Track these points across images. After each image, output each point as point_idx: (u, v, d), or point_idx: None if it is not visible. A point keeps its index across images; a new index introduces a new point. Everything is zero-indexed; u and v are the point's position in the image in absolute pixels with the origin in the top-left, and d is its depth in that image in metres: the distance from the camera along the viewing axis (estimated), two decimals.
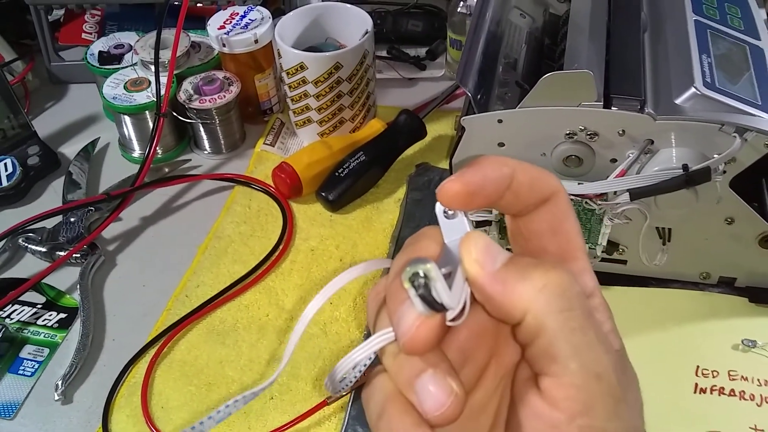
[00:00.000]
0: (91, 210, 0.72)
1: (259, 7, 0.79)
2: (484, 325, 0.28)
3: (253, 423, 0.55)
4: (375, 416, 0.27)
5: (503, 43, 0.63)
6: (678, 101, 0.51)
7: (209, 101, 0.75)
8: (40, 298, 0.66)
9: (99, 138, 0.82)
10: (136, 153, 0.80)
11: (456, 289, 0.26)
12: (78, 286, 0.66)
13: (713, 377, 0.56)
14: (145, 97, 0.75)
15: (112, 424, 0.56)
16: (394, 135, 0.75)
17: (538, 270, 0.25)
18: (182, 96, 0.75)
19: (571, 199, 0.52)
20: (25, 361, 0.61)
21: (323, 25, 0.78)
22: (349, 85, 0.74)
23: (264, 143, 0.79)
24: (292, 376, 0.58)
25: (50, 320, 0.64)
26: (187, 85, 0.76)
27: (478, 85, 0.56)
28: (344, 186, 0.72)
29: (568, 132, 0.53)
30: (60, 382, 0.58)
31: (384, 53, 0.89)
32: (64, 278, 0.67)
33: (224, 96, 0.76)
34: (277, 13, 0.81)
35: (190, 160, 0.80)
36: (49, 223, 0.71)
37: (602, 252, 0.58)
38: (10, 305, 0.65)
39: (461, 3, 0.80)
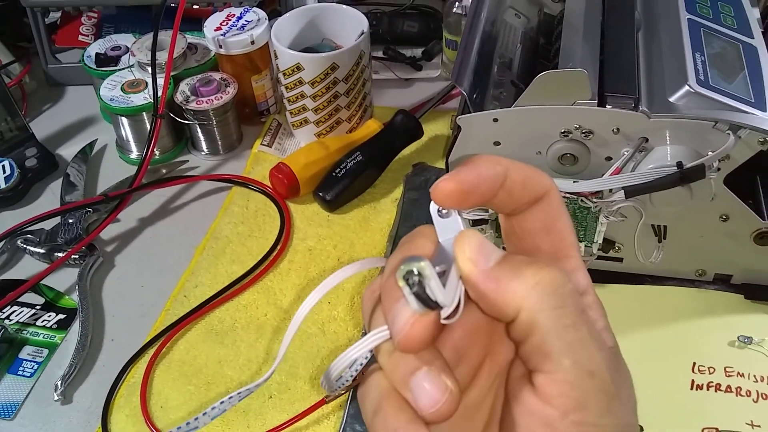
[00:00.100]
0: (89, 211, 0.72)
1: (255, 9, 0.79)
2: (478, 324, 0.28)
3: (251, 422, 0.56)
4: (371, 413, 0.27)
5: (498, 43, 0.63)
6: (672, 99, 0.51)
7: (206, 102, 0.75)
8: (39, 299, 0.66)
9: (96, 140, 0.83)
10: (134, 154, 0.80)
11: (450, 287, 0.26)
12: (77, 287, 0.66)
13: (710, 374, 0.57)
14: (142, 98, 0.75)
15: (112, 423, 0.56)
16: (391, 135, 0.76)
17: (531, 268, 0.26)
18: (179, 97, 0.76)
19: (567, 197, 0.53)
20: (24, 361, 0.61)
21: (319, 26, 0.79)
22: (346, 86, 0.74)
23: (261, 144, 0.80)
24: (290, 375, 0.59)
25: (49, 321, 0.64)
26: (184, 87, 0.77)
27: (473, 84, 0.56)
28: (341, 186, 0.72)
29: (563, 130, 0.53)
30: (59, 383, 0.58)
31: (380, 54, 0.89)
32: (63, 279, 0.68)
33: (221, 97, 0.76)
34: (273, 15, 0.81)
35: (188, 161, 0.80)
36: (48, 225, 0.71)
37: (598, 250, 0.58)
38: (9, 306, 0.65)
39: (456, 3, 0.81)
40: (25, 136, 0.80)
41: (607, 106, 0.51)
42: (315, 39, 0.79)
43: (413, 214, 0.70)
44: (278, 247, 0.69)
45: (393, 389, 0.27)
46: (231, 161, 0.80)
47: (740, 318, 0.60)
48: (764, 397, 0.55)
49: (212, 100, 0.76)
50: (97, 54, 0.82)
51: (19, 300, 0.66)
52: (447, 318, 0.26)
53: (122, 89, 0.76)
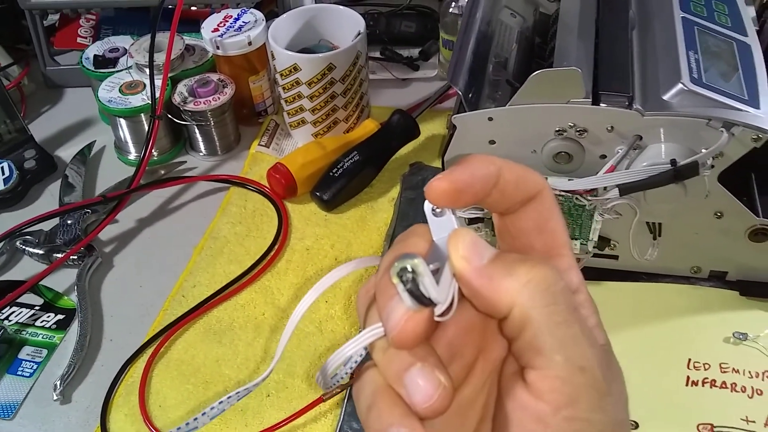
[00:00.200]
0: (88, 212, 0.72)
1: (252, 10, 0.80)
2: (471, 322, 0.29)
3: (249, 420, 0.56)
4: (365, 409, 0.27)
5: (494, 43, 0.63)
6: (666, 97, 0.51)
7: (204, 103, 0.76)
8: (38, 300, 0.67)
9: (95, 141, 0.83)
10: (132, 155, 0.80)
11: (444, 285, 0.26)
12: (75, 288, 0.66)
13: (705, 370, 0.57)
14: (140, 99, 0.75)
15: (111, 423, 0.57)
16: (388, 135, 0.76)
17: (523, 265, 0.26)
18: (177, 98, 0.76)
19: (562, 195, 0.53)
20: (23, 362, 0.61)
21: (316, 27, 0.79)
22: (343, 86, 0.74)
23: (259, 144, 0.80)
24: (288, 373, 0.59)
25: (48, 321, 0.65)
26: (182, 88, 0.77)
27: (468, 83, 0.56)
28: (339, 186, 0.72)
29: (557, 129, 0.54)
30: (58, 383, 0.59)
31: (377, 54, 0.89)
32: (62, 280, 0.68)
33: (219, 98, 0.76)
34: (270, 16, 0.82)
35: (186, 162, 0.80)
36: (47, 226, 0.71)
37: (594, 247, 0.58)
38: (9, 307, 0.65)
39: (453, 4, 0.81)
40: (23, 137, 0.80)
41: (601, 105, 0.52)
42: (312, 40, 0.80)
43: (410, 214, 0.71)
44: (276, 247, 0.70)
45: (387, 385, 0.27)
46: (229, 162, 0.80)
47: (735, 314, 0.60)
48: (759, 393, 0.55)
49: (210, 101, 0.76)
50: (95, 56, 0.82)
51: (19, 301, 0.66)
52: (441, 315, 0.26)
53: (120, 91, 0.76)
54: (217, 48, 0.77)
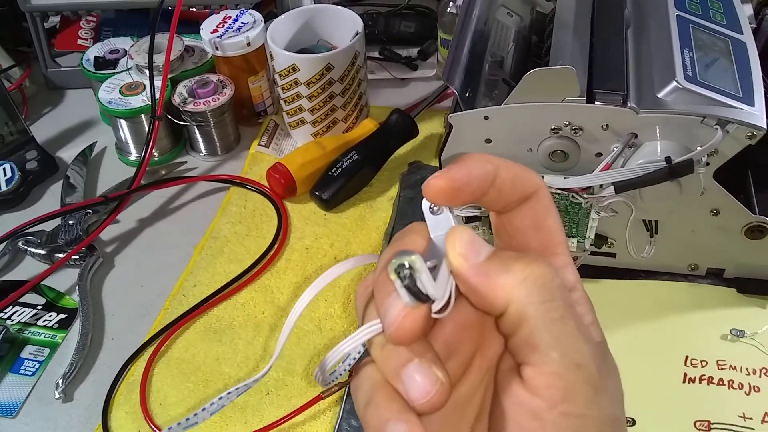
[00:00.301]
0: (89, 212, 0.73)
1: (251, 11, 0.80)
2: (468, 320, 0.29)
3: (249, 418, 0.56)
4: (363, 405, 0.28)
5: (490, 42, 0.64)
6: (660, 95, 0.52)
7: (203, 104, 0.76)
8: (40, 300, 0.67)
9: (96, 142, 0.83)
10: (133, 156, 0.81)
11: (441, 281, 0.26)
12: (77, 287, 0.67)
13: (702, 367, 0.57)
14: (141, 100, 0.76)
15: (112, 421, 0.57)
16: (387, 134, 0.76)
17: (519, 263, 0.26)
18: (177, 99, 0.77)
19: (558, 193, 0.54)
20: (26, 361, 0.62)
21: (315, 28, 0.80)
22: (341, 86, 0.75)
23: (258, 145, 0.80)
24: (287, 372, 0.59)
25: (50, 321, 0.65)
26: (182, 89, 0.77)
27: (464, 83, 0.57)
28: (338, 185, 0.73)
29: (553, 127, 0.54)
30: (60, 381, 0.59)
31: (376, 54, 0.90)
32: (64, 280, 0.68)
33: (218, 98, 0.77)
34: (269, 17, 0.82)
35: (186, 162, 0.81)
36: (48, 226, 0.72)
37: (591, 245, 0.58)
38: (11, 307, 0.66)
39: (451, 3, 0.82)
40: (25, 139, 0.81)
41: (596, 103, 0.52)
42: (311, 40, 0.80)
43: (409, 213, 0.71)
44: (275, 246, 0.70)
45: (385, 381, 0.27)
46: (229, 162, 0.81)
47: (733, 311, 0.61)
48: (756, 389, 0.55)
49: (209, 102, 0.76)
50: (95, 57, 0.83)
51: (21, 300, 0.66)
52: (438, 312, 0.26)
53: (120, 92, 0.77)
54: (216, 49, 0.77)
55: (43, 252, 0.70)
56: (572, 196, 0.54)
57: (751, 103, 0.51)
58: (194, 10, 0.85)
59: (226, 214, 0.74)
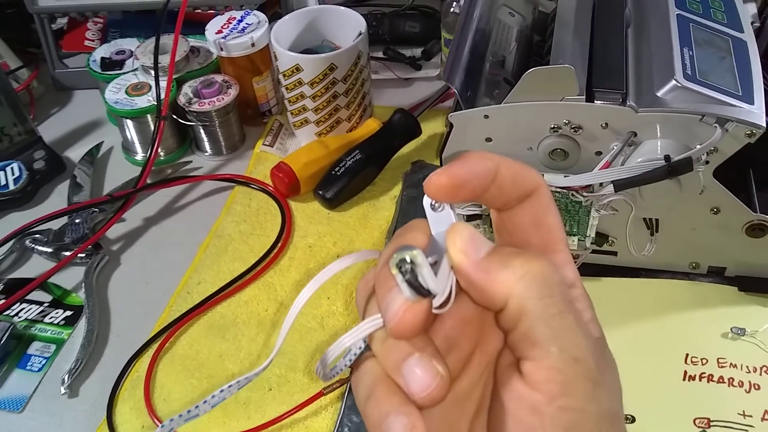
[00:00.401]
0: (96, 211, 0.74)
1: (255, 12, 0.81)
2: (468, 315, 0.29)
3: (252, 413, 0.57)
4: (364, 398, 0.28)
5: (491, 41, 0.64)
6: (659, 93, 0.52)
7: (208, 104, 0.77)
8: (46, 297, 0.68)
9: (103, 142, 0.84)
10: (139, 156, 0.81)
11: (442, 277, 0.27)
12: (83, 285, 0.68)
13: (702, 365, 0.57)
14: (146, 101, 0.77)
15: (117, 416, 0.58)
16: (390, 134, 0.77)
17: (519, 259, 0.26)
18: (182, 99, 0.77)
19: (558, 192, 0.54)
20: (32, 357, 0.63)
21: (319, 28, 0.80)
22: (345, 86, 0.75)
23: (263, 144, 0.81)
24: (289, 368, 0.60)
25: (56, 318, 0.66)
26: (187, 89, 0.78)
27: (465, 82, 0.57)
28: (341, 184, 0.73)
29: (552, 126, 0.54)
30: (66, 377, 0.60)
31: (380, 54, 0.90)
32: (70, 277, 0.69)
33: (223, 99, 0.77)
34: (275, 18, 0.83)
35: (191, 161, 0.82)
36: (55, 225, 0.73)
37: (591, 243, 0.59)
38: (18, 304, 0.67)
39: (454, 3, 0.82)
40: (33, 139, 0.82)
41: (595, 102, 0.52)
42: (315, 41, 0.81)
43: (411, 212, 0.71)
44: (279, 245, 0.71)
45: (385, 375, 0.27)
46: (234, 161, 0.81)
47: (734, 310, 0.61)
48: (756, 387, 0.56)
49: (214, 102, 0.77)
50: (102, 58, 0.84)
51: (28, 297, 0.67)
52: (439, 307, 0.27)
53: (126, 92, 0.78)
54: (221, 49, 0.78)
55: (49, 250, 0.71)
56: (572, 195, 0.55)
57: (751, 102, 0.52)
58: (199, 11, 0.86)
59: (231, 213, 0.75)
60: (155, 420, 0.57)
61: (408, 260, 0.25)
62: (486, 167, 0.28)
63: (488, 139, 0.57)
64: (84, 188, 0.78)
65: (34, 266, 0.71)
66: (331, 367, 0.31)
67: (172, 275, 0.69)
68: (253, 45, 0.78)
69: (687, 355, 0.58)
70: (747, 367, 0.57)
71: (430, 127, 0.80)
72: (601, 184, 0.54)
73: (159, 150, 0.77)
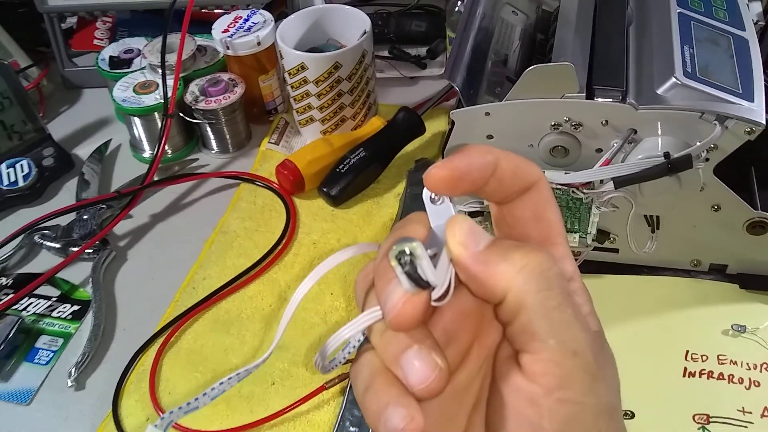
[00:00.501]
0: (103, 208, 0.75)
1: (261, 11, 0.82)
2: (467, 308, 0.29)
3: (255, 407, 0.58)
4: (362, 390, 0.28)
5: (494, 40, 0.64)
6: (659, 91, 0.52)
7: (215, 102, 0.78)
8: (54, 292, 0.69)
9: (111, 140, 0.85)
10: (147, 153, 0.82)
11: (441, 269, 0.27)
12: (90, 280, 0.69)
13: (703, 361, 0.58)
14: (153, 99, 0.78)
15: (122, 408, 0.59)
16: (394, 132, 0.77)
17: (519, 251, 0.27)
18: (189, 97, 0.78)
19: (559, 189, 0.54)
20: (40, 350, 0.64)
21: (324, 27, 0.81)
22: (349, 84, 0.76)
23: (269, 142, 0.82)
24: (292, 363, 0.61)
25: (64, 312, 0.67)
26: (194, 87, 0.79)
27: (466, 80, 0.58)
28: (345, 181, 0.74)
29: (553, 123, 0.55)
30: (73, 370, 0.61)
31: (386, 53, 0.91)
32: (78, 273, 0.70)
33: (229, 97, 0.78)
34: (281, 17, 0.83)
35: (198, 159, 0.82)
36: (63, 221, 0.74)
37: (593, 240, 0.59)
38: (27, 298, 0.68)
39: (459, 2, 0.82)
40: (42, 136, 0.83)
41: (595, 99, 0.53)
42: (320, 39, 0.81)
43: (415, 209, 0.70)
44: (284, 241, 0.71)
45: (384, 367, 0.27)
46: (240, 159, 0.82)
47: (735, 307, 0.61)
48: (756, 384, 0.56)
49: (220, 100, 0.78)
50: (110, 57, 0.85)
51: (36, 292, 0.68)
52: (438, 300, 0.27)
53: (134, 90, 0.79)
54: (227, 48, 0.79)
55: (58, 246, 0.72)
56: (573, 192, 0.55)
57: (751, 99, 0.52)
58: (206, 10, 0.87)
59: (236, 210, 0.75)
60: (159, 412, 0.58)
61: (407, 252, 0.25)
62: (486, 160, 0.28)
63: (489, 136, 0.57)
64: (92, 185, 0.79)
65: (43, 261, 0.72)
66: (329, 360, 0.31)
67: (177, 271, 0.70)
68: (259, 44, 0.78)
69: (687, 351, 0.58)
70: (747, 364, 0.57)
71: (434, 126, 0.81)
72: (601, 181, 0.54)
73: (166, 147, 0.78)
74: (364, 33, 0.75)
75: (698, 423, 0.54)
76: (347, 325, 0.28)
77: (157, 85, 0.79)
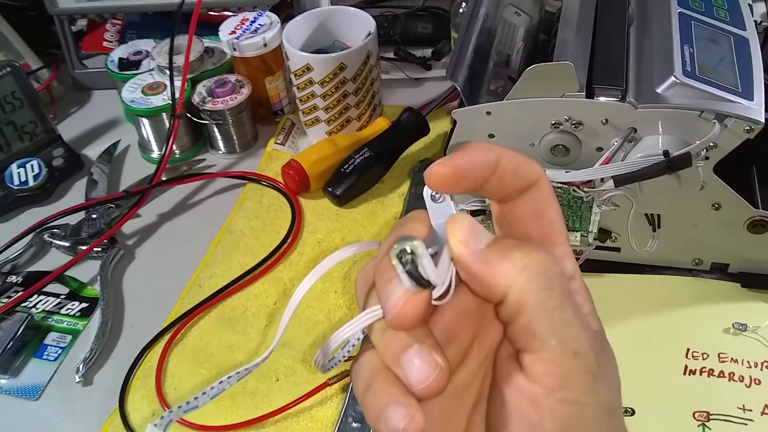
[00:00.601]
0: (112, 207, 0.76)
1: (268, 13, 0.83)
2: (468, 307, 0.29)
3: (259, 403, 0.58)
4: (362, 389, 0.28)
5: (496, 40, 0.65)
6: (659, 90, 0.53)
7: (222, 103, 0.79)
8: (63, 289, 0.70)
9: (120, 140, 0.86)
10: (155, 153, 0.84)
11: (442, 268, 0.27)
12: (98, 278, 0.70)
13: (703, 359, 0.58)
14: (162, 100, 0.79)
15: (129, 404, 0.60)
16: (398, 132, 0.78)
17: (520, 250, 0.27)
18: (196, 98, 0.79)
19: (559, 187, 0.55)
20: (49, 347, 0.65)
21: (330, 29, 0.82)
22: (354, 85, 0.77)
23: (275, 143, 0.83)
24: (296, 359, 0.61)
25: (73, 309, 0.68)
26: (201, 88, 0.80)
27: (468, 80, 0.58)
28: (350, 181, 0.75)
29: (553, 122, 0.55)
30: (81, 366, 0.62)
31: (391, 54, 0.92)
32: (86, 271, 0.71)
33: (236, 98, 0.79)
34: (287, 18, 0.84)
35: (205, 159, 0.83)
36: (73, 220, 0.75)
37: (594, 239, 0.59)
38: (36, 296, 0.69)
39: (463, 4, 0.83)
40: (52, 137, 0.84)
41: (595, 98, 0.53)
42: (326, 41, 0.82)
43: (419, 209, 0.72)
44: (289, 240, 0.72)
45: (384, 366, 0.27)
46: (246, 159, 0.83)
47: (736, 306, 0.61)
48: (757, 382, 0.56)
49: (227, 101, 0.79)
50: (120, 59, 0.86)
51: (45, 290, 0.70)
52: (438, 299, 0.27)
53: (142, 91, 0.80)
54: (234, 50, 0.80)
55: (67, 244, 0.73)
56: (574, 190, 0.56)
57: (750, 98, 0.52)
58: (213, 12, 0.88)
59: (243, 209, 0.76)
60: (165, 408, 0.59)
61: (408, 251, 0.25)
62: (487, 158, 0.28)
63: (491, 135, 0.58)
64: (101, 185, 0.80)
65: (52, 260, 0.73)
66: (329, 358, 0.31)
67: (184, 269, 0.71)
68: (265, 45, 0.79)
69: (688, 349, 0.58)
70: (748, 362, 0.57)
71: (439, 126, 0.81)
72: (602, 180, 0.55)
73: (174, 148, 0.79)
74: (369, 34, 0.76)
75: (698, 420, 0.54)
76: (348, 324, 0.29)
77: (165, 86, 0.80)
